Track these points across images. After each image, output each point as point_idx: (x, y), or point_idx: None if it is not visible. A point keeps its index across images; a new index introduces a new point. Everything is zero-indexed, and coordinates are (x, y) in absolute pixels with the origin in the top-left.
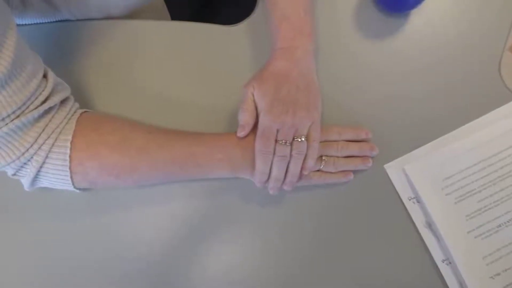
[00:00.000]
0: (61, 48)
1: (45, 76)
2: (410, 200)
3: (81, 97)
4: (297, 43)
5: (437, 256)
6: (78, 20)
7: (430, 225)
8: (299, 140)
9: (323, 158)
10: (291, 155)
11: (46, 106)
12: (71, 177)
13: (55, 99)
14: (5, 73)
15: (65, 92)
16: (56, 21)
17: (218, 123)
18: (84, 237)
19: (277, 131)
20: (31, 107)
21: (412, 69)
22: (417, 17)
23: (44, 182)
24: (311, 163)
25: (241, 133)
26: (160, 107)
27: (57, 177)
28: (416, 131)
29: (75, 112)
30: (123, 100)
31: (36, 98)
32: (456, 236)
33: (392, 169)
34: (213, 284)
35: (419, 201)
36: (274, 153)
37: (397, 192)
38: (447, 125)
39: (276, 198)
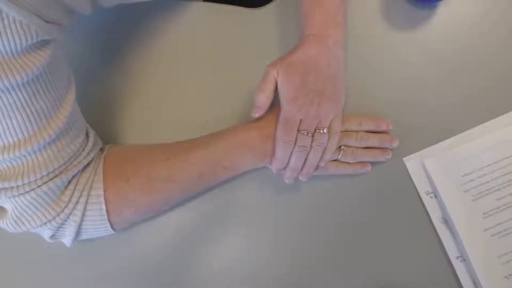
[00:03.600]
0: (83, 25)
1: (86, 133)
2: (427, 194)
3: (109, 75)
4: (329, 31)
5: (452, 252)
6: None
7: (446, 221)
8: (321, 131)
9: (342, 147)
10: (311, 146)
11: (85, 162)
12: (112, 227)
13: (92, 155)
14: (61, 127)
15: (98, 145)
16: None
17: (241, 106)
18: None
19: (300, 120)
20: (74, 163)
21: (438, 62)
22: (445, 9)
23: (84, 236)
24: (329, 155)
25: (256, 114)
26: (184, 85)
27: (97, 230)
28: (438, 125)
29: (100, 159)
30: (150, 79)
31: (80, 154)
32: (472, 233)
33: (411, 162)
34: (228, 274)
35: (436, 196)
36: (295, 143)
37: (414, 186)
38: (470, 121)
39: (291, 188)
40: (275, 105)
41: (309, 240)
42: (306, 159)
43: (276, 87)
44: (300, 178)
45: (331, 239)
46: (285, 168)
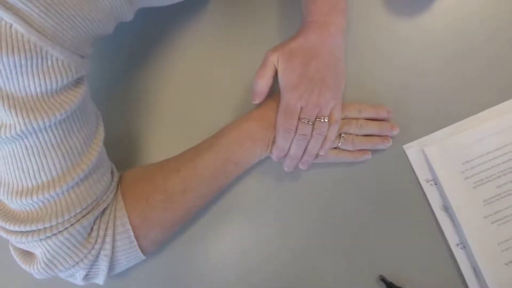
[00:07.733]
0: None
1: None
2: (427, 182)
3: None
4: (331, 18)
5: (452, 239)
6: None
7: (446, 208)
8: (322, 120)
9: (342, 135)
10: (311, 135)
11: (111, 196)
12: (142, 252)
13: (116, 188)
14: (94, 162)
15: (118, 177)
16: None
17: (243, 95)
18: None
19: (300, 108)
20: (104, 197)
21: (439, 49)
22: None
23: (118, 270)
24: (329, 144)
25: (255, 101)
26: (187, 75)
27: (128, 259)
28: (438, 112)
29: (117, 188)
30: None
31: (108, 189)
32: (472, 221)
33: (412, 150)
34: (228, 265)
35: (436, 183)
36: (295, 131)
37: (415, 174)
38: (471, 108)
39: (291, 177)
40: (275, 92)
41: (308, 228)
42: (306, 148)
43: (276, 74)
44: (300, 166)
45: (331, 227)
46: (285, 156)
